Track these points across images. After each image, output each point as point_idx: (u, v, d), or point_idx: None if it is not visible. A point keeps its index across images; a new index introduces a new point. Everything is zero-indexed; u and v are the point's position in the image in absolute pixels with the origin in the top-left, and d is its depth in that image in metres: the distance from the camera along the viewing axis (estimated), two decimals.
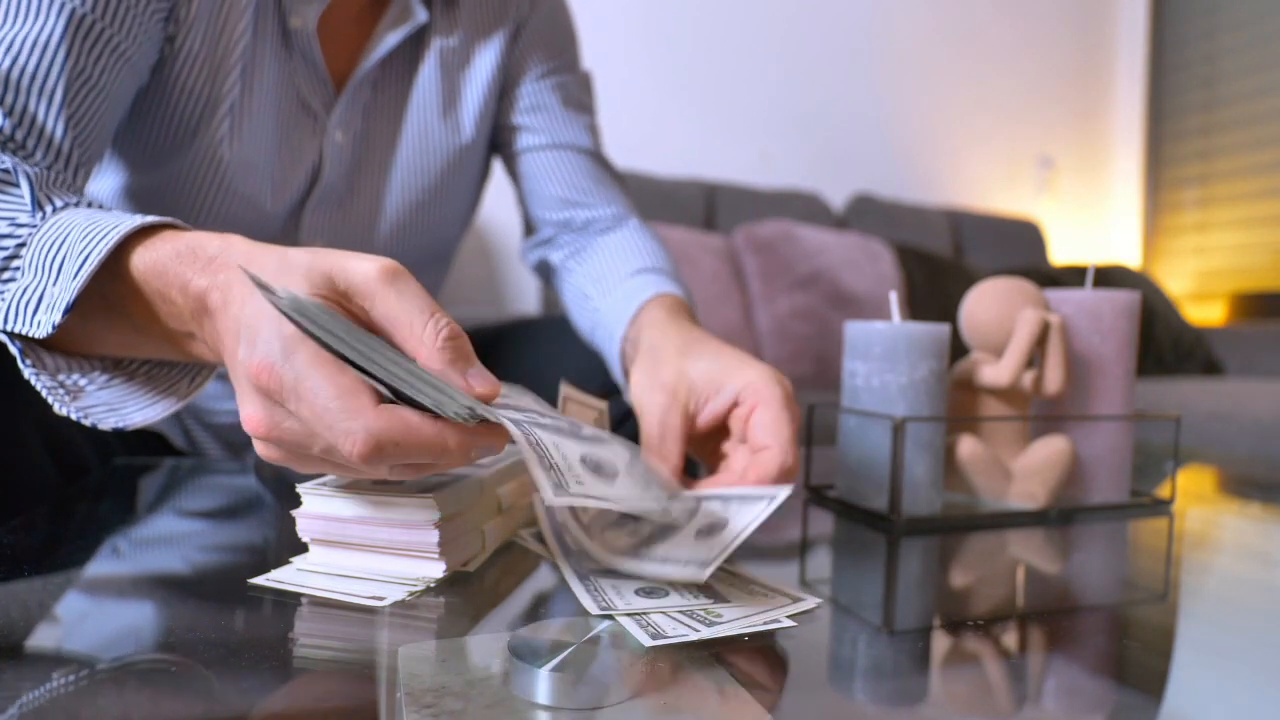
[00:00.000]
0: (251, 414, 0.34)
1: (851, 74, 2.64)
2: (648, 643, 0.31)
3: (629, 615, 0.34)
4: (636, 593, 0.37)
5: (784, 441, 0.46)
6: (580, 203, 0.81)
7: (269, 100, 0.68)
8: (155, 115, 0.65)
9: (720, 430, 0.51)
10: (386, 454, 0.32)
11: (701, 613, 0.35)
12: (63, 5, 0.54)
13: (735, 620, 0.34)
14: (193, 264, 0.40)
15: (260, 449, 0.36)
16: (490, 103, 0.80)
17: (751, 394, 0.48)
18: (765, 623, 0.34)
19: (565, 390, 0.52)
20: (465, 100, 0.78)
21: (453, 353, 0.34)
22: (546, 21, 0.82)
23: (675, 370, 0.52)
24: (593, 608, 0.35)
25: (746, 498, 0.41)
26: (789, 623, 0.35)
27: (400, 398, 0.33)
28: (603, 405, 0.54)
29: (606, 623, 0.33)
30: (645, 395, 0.52)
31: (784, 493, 0.39)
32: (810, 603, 0.37)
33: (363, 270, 0.35)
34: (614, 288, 0.74)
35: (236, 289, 0.36)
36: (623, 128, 2.02)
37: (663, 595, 0.37)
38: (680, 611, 0.35)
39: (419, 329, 0.34)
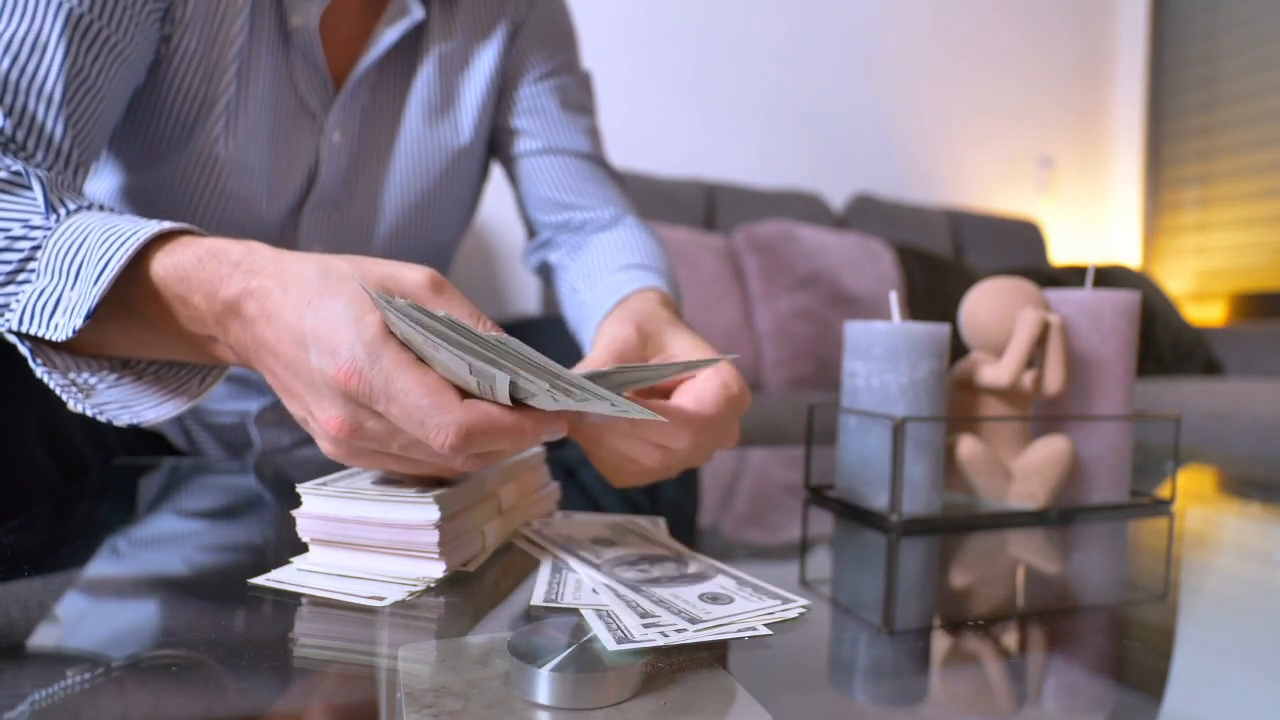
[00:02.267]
0: (334, 416, 0.36)
1: (851, 74, 2.64)
2: (613, 646, 0.30)
3: (597, 614, 0.34)
4: (621, 583, 0.37)
5: (701, 406, 0.43)
6: (576, 205, 0.81)
7: (265, 100, 0.68)
8: (151, 115, 0.65)
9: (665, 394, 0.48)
10: (475, 443, 0.34)
11: (683, 612, 0.35)
12: (60, 5, 0.54)
13: (714, 625, 0.33)
14: (216, 270, 0.41)
15: (329, 447, 0.38)
16: (488, 104, 0.79)
17: (712, 373, 0.45)
18: (740, 630, 0.33)
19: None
20: (463, 102, 0.78)
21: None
22: (544, 22, 0.82)
23: (643, 333, 0.49)
24: (539, 598, 0.36)
25: (761, 591, 0.39)
26: (766, 631, 0.33)
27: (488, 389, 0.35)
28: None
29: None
30: (610, 325, 0.50)
31: (795, 606, 0.37)
32: (795, 609, 0.36)
33: (413, 279, 0.38)
34: (600, 281, 0.73)
35: (279, 296, 0.38)
36: (623, 127, 2.02)
37: (649, 588, 0.37)
38: (658, 604, 0.35)
39: None
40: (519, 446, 0.37)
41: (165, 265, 0.42)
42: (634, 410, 0.34)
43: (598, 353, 0.47)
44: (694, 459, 0.46)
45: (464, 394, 0.35)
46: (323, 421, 0.37)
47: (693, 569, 0.41)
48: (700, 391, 0.44)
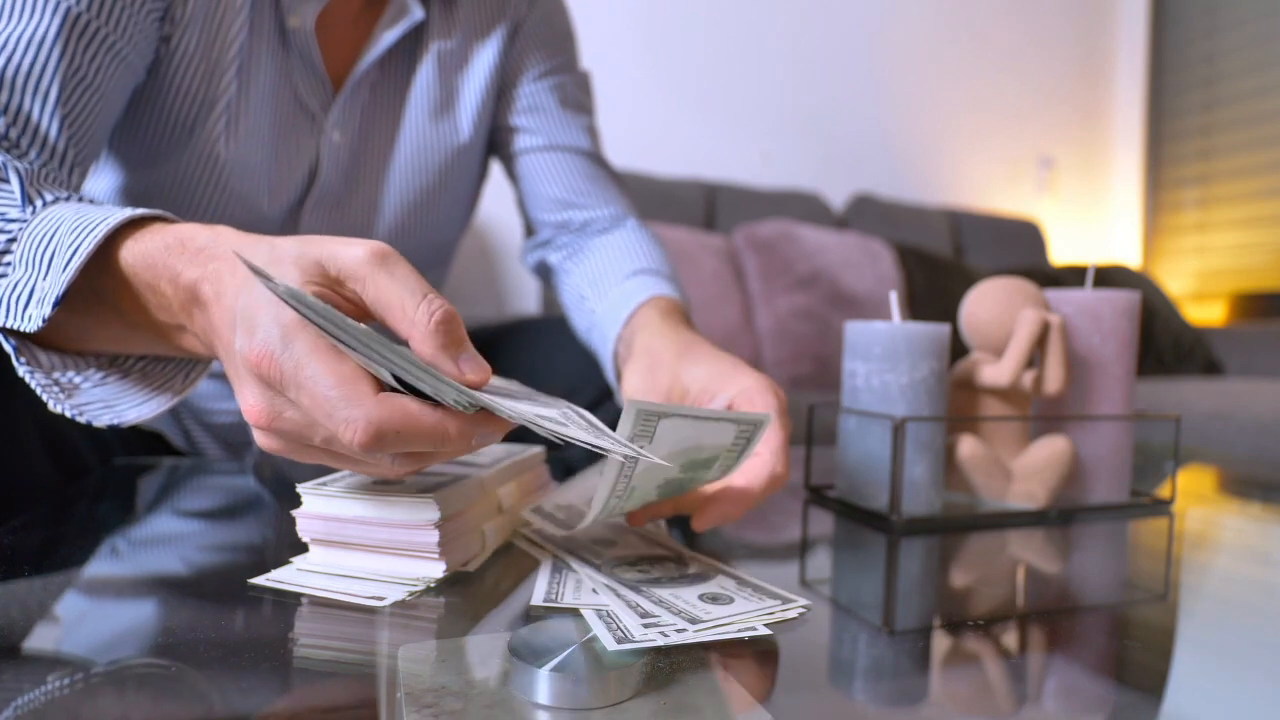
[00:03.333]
0: (252, 404, 0.34)
1: (852, 74, 2.63)
2: (612, 646, 0.30)
3: (597, 614, 0.34)
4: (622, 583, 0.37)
5: (772, 448, 0.46)
6: (577, 204, 0.81)
7: (265, 100, 0.68)
8: (151, 115, 0.65)
9: None
10: (387, 442, 0.31)
11: (684, 611, 0.35)
12: (58, 4, 0.54)
13: (714, 625, 0.33)
14: (181, 255, 0.39)
15: (261, 439, 0.36)
16: (488, 103, 0.79)
17: (745, 402, 0.48)
18: (740, 630, 0.33)
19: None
20: (463, 100, 0.78)
21: (445, 336, 0.33)
22: (544, 21, 0.82)
23: (671, 374, 0.51)
24: (538, 598, 0.36)
25: (761, 590, 0.39)
26: (766, 631, 0.33)
27: (402, 386, 0.32)
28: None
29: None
30: (634, 376, 0.51)
31: (797, 606, 0.37)
32: (795, 609, 0.36)
33: (353, 254, 0.35)
34: (610, 289, 0.74)
35: (229, 279, 0.36)
36: (623, 128, 2.02)
37: (649, 587, 0.37)
38: (658, 603, 0.35)
39: (411, 310, 0.34)
40: (447, 450, 0.33)
41: (134, 253, 0.41)
42: (539, 421, 0.32)
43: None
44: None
45: (381, 387, 0.33)
46: (244, 410, 0.34)
47: (693, 569, 0.41)
48: (751, 471, 0.46)
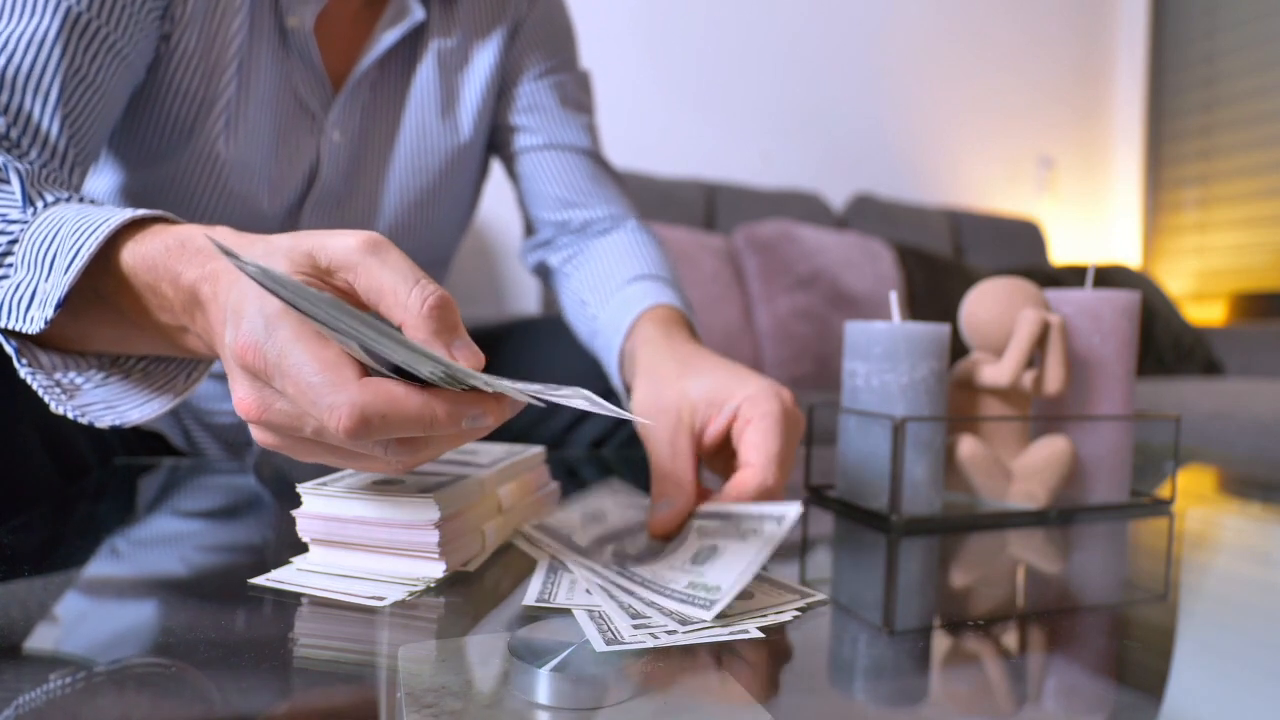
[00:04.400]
0: (241, 396, 0.33)
1: (852, 74, 2.63)
2: (601, 647, 0.30)
3: (589, 615, 0.34)
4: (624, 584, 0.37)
5: (765, 458, 0.46)
6: (578, 203, 0.81)
7: (265, 99, 0.68)
8: (151, 114, 0.65)
9: (728, 445, 0.51)
10: (374, 427, 0.30)
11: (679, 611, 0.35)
12: (59, 3, 0.54)
13: (705, 628, 0.33)
14: (182, 256, 0.39)
15: (256, 434, 0.35)
16: (488, 102, 0.80)
17: (749, 408, 0.48)
18: (732, 634, 0.33)
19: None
20: (463, 100, 0.78)
21: (438, 321, 0.32)
22: (544, 20, 0.82)
23: (677, 391, 0.51)
24: (531, 598, 0.36)
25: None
26: (758, 634, 0.33)
27: (396, 371, 0.32)
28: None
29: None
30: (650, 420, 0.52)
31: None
32: (789, 614, 0.36)
33: (343, 243, 0.34)
34: (610, 295, 0.73)
35: (224, 278, 0.36)
36: (623, 128, 2.02)
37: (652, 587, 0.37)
38: (661, 602, 0.35)
39: (403, 296, 0.33)
40: (437, 433, 0.32)
41: (135, 254, 0.41)
42: (533, 393, 0.32)
43: (668, 466, 0.49)
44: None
45: (366, 372, 0.32)
46: (235, 404, 0.34)
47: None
48: (751, 439, 0.47)
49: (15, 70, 0.52)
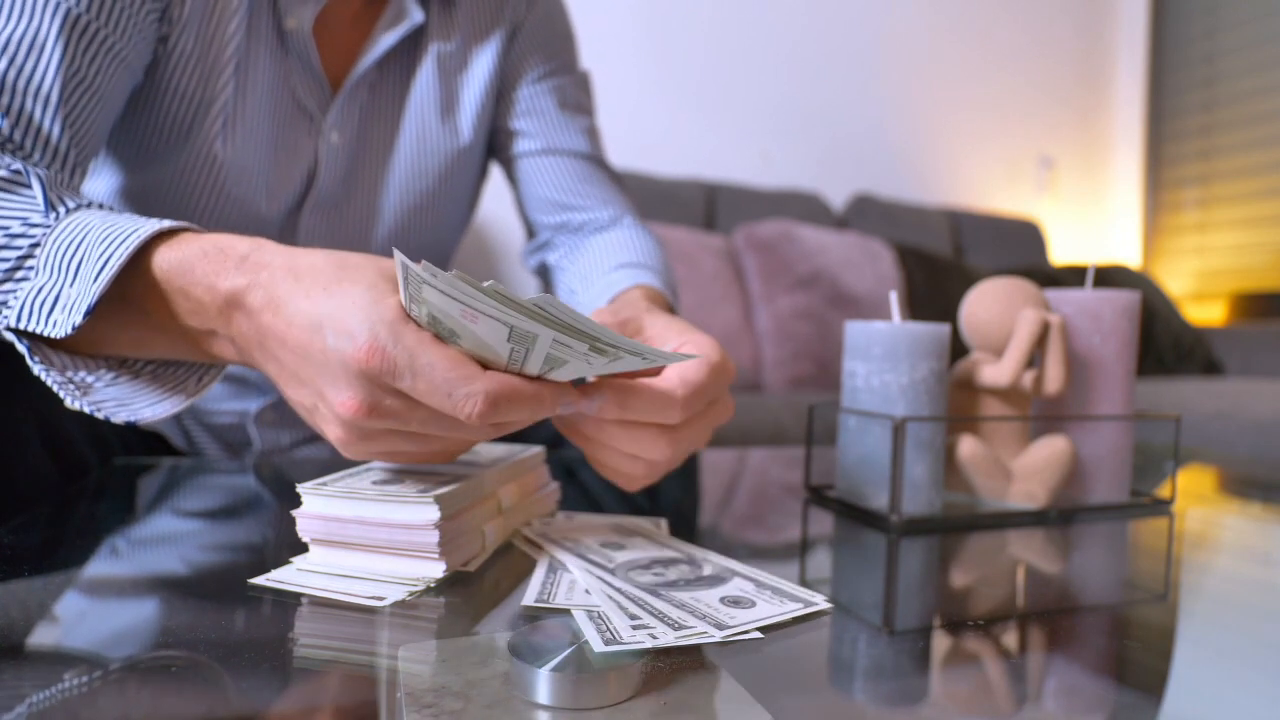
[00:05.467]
0: (350, 398, 0.36)
1: (852, 74, 2.64)
2: (600, 647, 0.30)
3: (588, 615, 0.34)
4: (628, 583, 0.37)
5: (684, 380, 0.42)
6: (575, 206, 0.82)
7: (263, 101, 0.68)
8: (149, 115, 0.65)
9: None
10: (499, 410, 0.36)
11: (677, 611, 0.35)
12: (57, 5, 0.54)
13: (703, 631, 0.33)
14: (222, 263, 0.41)
15: (338, 432, 0.38)
16: (487, 105, 0.79)
17: (690, 348, 0.45)
18: (733, 634, 0.33)
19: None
20: (463, 103, 0.78)
21: None
22: (543, 22, 0.82)
23: (634, 312, 0.50)
24: (530, 599, 0.36)
25: (781, 593, 0.39)
26: (757, 635, 0.33)
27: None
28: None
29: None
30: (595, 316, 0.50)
31: (819, 603, 0.37)
32: (817, 608, 0.37)
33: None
34: (595, 283, 0.74)
35: (286, 286, 0.39)
36: (624, 128, 2.02)
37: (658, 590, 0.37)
38: (663, 605, 0.35)
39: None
40: (536, 415, 0.38)
41: (169, 259, 0.43)
42: (662, 357, 0.36)
43: None
44: (696, 438, 0.45)
45: (485, 367, 0.37)
46: (337, 404, 0.37)
47: (708, 570, 0.41)
48: (682, 367, 0.43)
49: (16, 73, 0.53)
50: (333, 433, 0.39)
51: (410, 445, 0.39)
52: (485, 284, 0.34)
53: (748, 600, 0.37)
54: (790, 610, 0.36)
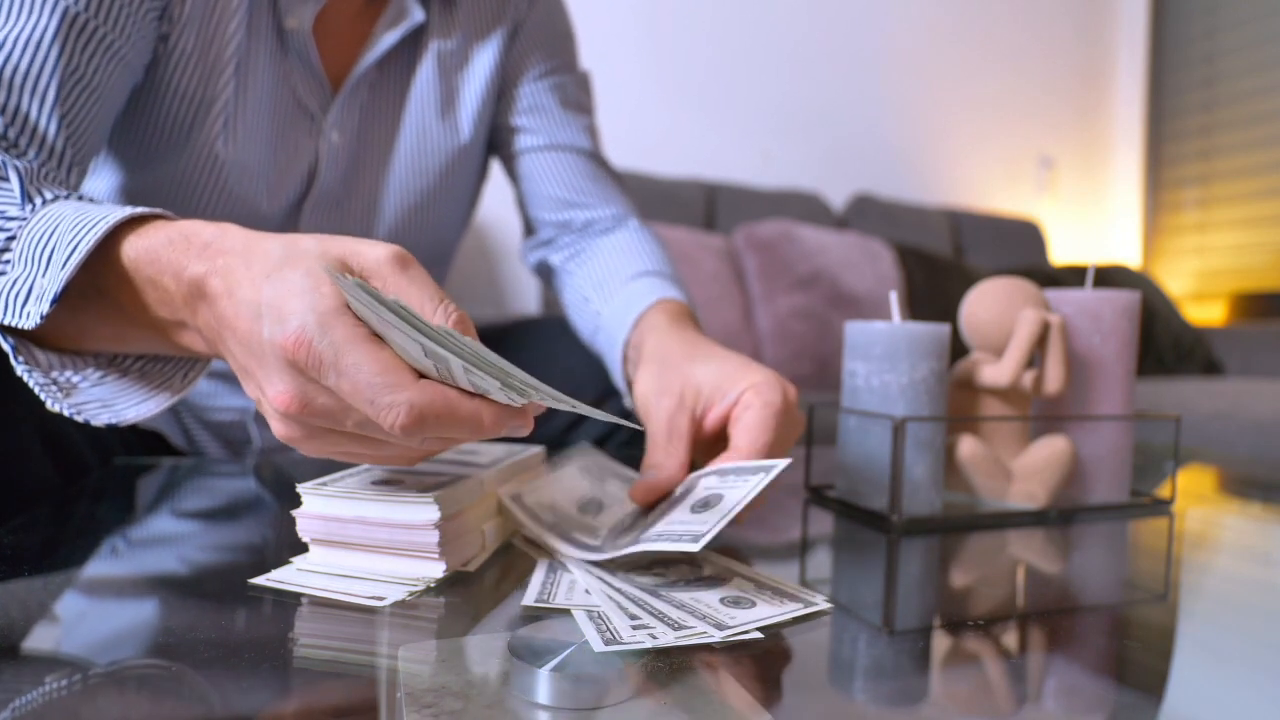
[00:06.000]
0: (282, 390, 0.34)
1: (852, 74, 2.63)
2: (599, 648, 0.30)
3: (588, 615, 0.34)
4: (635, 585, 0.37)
5: (755, 446, 0.46)
6: (579, 203, 0.82)
7: (264, 100, 0.68)
8: (149, 114, 0.65)
9: (725, 434, 0.51)
10: (428, 426, 0.33)
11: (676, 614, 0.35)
12: (56, 3, 0.54)
13: (702, 632, 0.33)
14: (186, 250, 0.40)
15: (280, 428, 0.36)
16: (488, 103, 0.79)
17: (751, 396, 0.48)
18: (733, 635, 0.33)
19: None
20: (463, 101, 0.78)
21: None
22: (544, 21, 0.82)
23: (682, 375, 0.52)
24: (530, 599, 0.36)
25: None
26: (758, 635, 0.33)
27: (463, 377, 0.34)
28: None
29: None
30: (652, 399, 0.52)
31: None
32: (816, 608, 0.37)
33: (375, 255, 0.36)
34: (615, 292, 0.74)
35: (242, 272, 0.37)
36: (624, 128, 2.02)
37: (663, 591, 0.37)
38: (667, 606, 0.35)
39: (429, 313, 0.35)
40: (476, 436, 0.35)
41: (137, 247, 0.41)
42: (589, 413, 0.33)
43: (663, 441, 0.49)
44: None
45: (420, 375, 0.34)
46: (272, 397, 0.35)
47: (708, 571, 0.41)
48: (748, 426, 0.46)
49: (14, 71, 0.52)
50: (276, 428, 0.37)
51: (359, 447, 0.37)
52: (389, 298, 0.32)
53: (748, 600, 0.37)
54: (790, 610, 0.36)
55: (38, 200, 0.46)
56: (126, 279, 0.42)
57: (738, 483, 0.40)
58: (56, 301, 0.42)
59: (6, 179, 0.47)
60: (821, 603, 0.37)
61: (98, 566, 0.43)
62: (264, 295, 0.35)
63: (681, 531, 0.37)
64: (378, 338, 0.33)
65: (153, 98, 0.64)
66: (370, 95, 0.74)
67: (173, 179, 0.67)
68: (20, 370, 0.45)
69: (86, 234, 0.41)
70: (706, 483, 0.42)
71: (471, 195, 0.86)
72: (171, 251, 0.40)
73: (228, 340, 0.38)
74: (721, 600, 0.36)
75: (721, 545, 0.48)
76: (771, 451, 0.46)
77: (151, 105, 0.65)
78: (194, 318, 0.41)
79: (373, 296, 0.32)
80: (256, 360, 0.36)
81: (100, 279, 0.43)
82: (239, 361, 0.38)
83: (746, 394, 0.48)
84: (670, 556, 0.43)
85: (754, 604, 0.36)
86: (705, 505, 0.39)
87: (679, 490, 0.45)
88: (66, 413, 0.44)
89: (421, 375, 0.34)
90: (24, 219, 0.45)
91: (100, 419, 0.45)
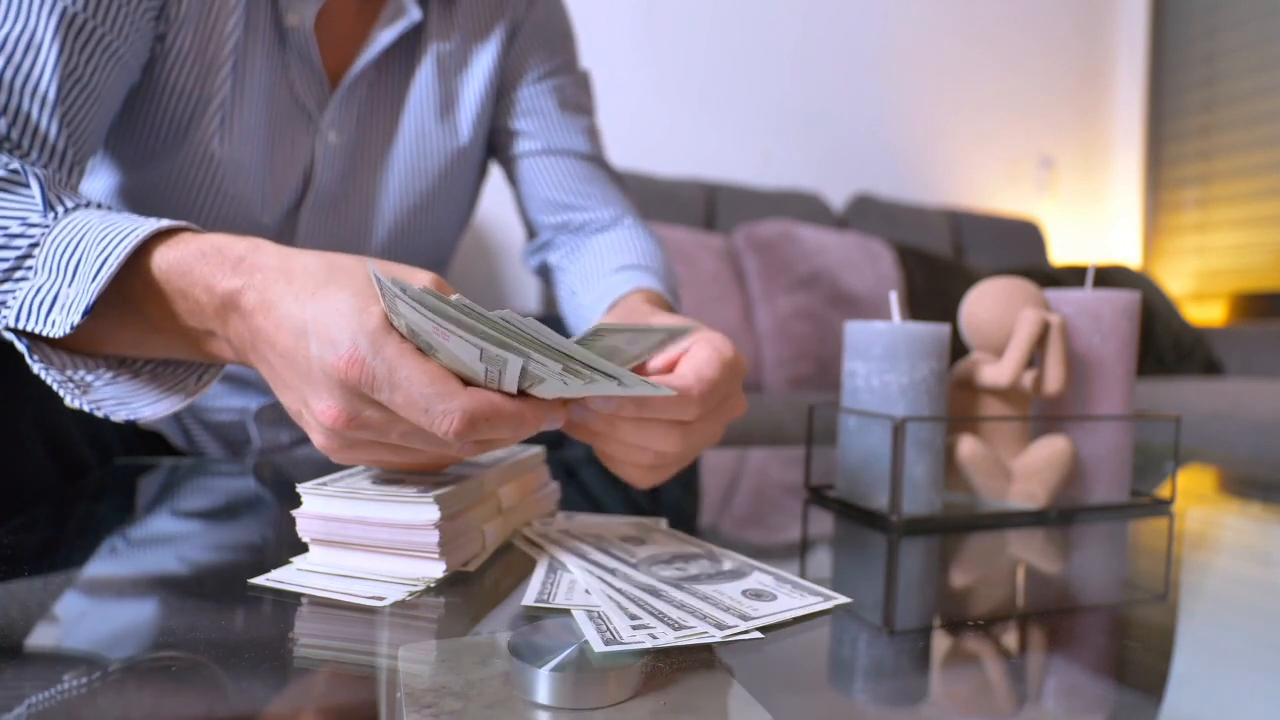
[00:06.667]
0: (331, 406, 0.36)
1: (853, 74, 2.63)
2: (600, 647, 0.30)
3: (588, 615, 0.34)
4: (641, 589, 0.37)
5: (700, 375, 0.42)
6: (576, 206, 0.82)
7: (261, 98, 0.67)
8: (146, 114, 0.65)
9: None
10: (478, 429, 0.35)
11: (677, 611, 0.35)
12: (54, 4, 0.54)
13: (703, 631, 0.32)
14: (220, 264, 0.41)
15: (321, 439, 0.38)
16: (487, 105, 0.79)
17: (703, 343, 0.45)
18: (733, 634, 0.33)
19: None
20: (462, 102, 0.78)
21: None
22: (543, 22, 0.82)
23: (642, 318, 0.52)
24: (530, 598, 0.36)
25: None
26: (758, 635, 0.33)
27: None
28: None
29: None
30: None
31: (836, 601, 0.38)
32: (814, 604, 0.37)
33: (420, 280, 0.38)
34: (596, 284, 0.74)
35: (279, 288, 0.38)
36: (624, 128, 2.02)
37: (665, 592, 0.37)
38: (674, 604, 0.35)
39: None
40: (519, 434, 0.37)
41: (168, 259, 0.43)
42: (641, 387, 0.35)
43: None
44: (710, 433, 0.46)
45: (465, 383, 0.36)
46: (319, 412, 0.37)
47: (728, 565, 0.41)
48: (695, 359, 0.44)
49: (14, 73, 0.53)
50: (317, 439, 0.39)
51: (395, 455, 0.39)
52: (453, 297, 0.34)
53: (769, 593, 0.37)
54: (811, 604, 0.36)
55: (59, 208, 0.47)
56: (155, 289, 0.43)
57: (795, 594, 0.38)
58: (88, 313, 0.42)
59: (27, 185, 0.48)
60: (841, 598, 0.37)
61: (98, 566, 0.43)
62: (308, 313, 0.37)
63: (729, 605, 0.36)
64: (423, 352, 0.35)
65: (150, 97, 0.64)
66: (368, 94, 0.74)
67: (169, 179, 0.67)
68: (37, 368, 0.45)
69: (117, 246, 0.42)
70: (762, 578, 0.40)
71: (470, 196, 0.86)
72: (204, 264, 0.42)
73: (265, 353, 0.39)
74: (744, 593, 0.37)
75: (722, 545, 0.48)
76: (713, 389, 0.43)
77: (149, 104, 0.65)
78: (224, 328, 0.42)
79: (438, 299, 0.33)
80: (300, 376, 0.37)
81: (126, 288, 0.44)
82: (278, 374, 0.39)
83: (698, 343, 0.46)
84: (688, 551, 0.44)
85: (775, 596, 0.37)
86: (758, 596, 0.37)
87: (729, 564, 0.43)
88: (86, 408, 0.45)
89: (467, 383, 0.36)
90: (46, 226, 0.46)
91: (119, 415, 0.46)
